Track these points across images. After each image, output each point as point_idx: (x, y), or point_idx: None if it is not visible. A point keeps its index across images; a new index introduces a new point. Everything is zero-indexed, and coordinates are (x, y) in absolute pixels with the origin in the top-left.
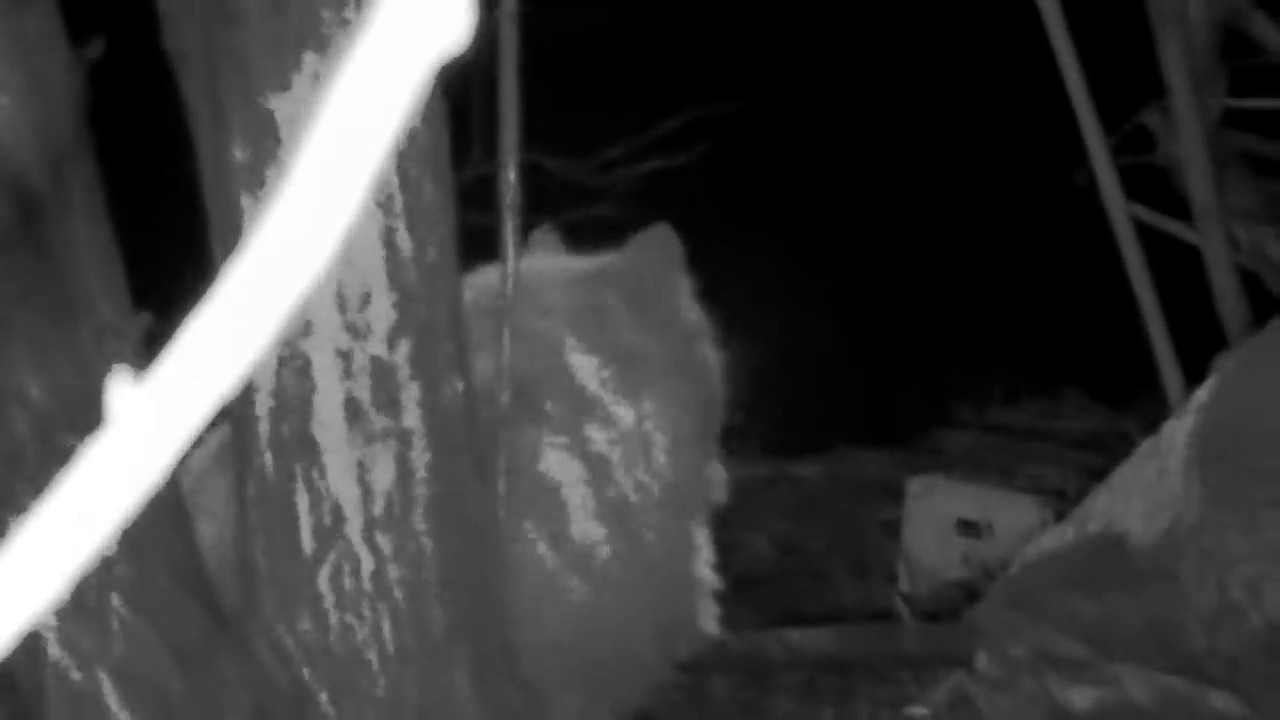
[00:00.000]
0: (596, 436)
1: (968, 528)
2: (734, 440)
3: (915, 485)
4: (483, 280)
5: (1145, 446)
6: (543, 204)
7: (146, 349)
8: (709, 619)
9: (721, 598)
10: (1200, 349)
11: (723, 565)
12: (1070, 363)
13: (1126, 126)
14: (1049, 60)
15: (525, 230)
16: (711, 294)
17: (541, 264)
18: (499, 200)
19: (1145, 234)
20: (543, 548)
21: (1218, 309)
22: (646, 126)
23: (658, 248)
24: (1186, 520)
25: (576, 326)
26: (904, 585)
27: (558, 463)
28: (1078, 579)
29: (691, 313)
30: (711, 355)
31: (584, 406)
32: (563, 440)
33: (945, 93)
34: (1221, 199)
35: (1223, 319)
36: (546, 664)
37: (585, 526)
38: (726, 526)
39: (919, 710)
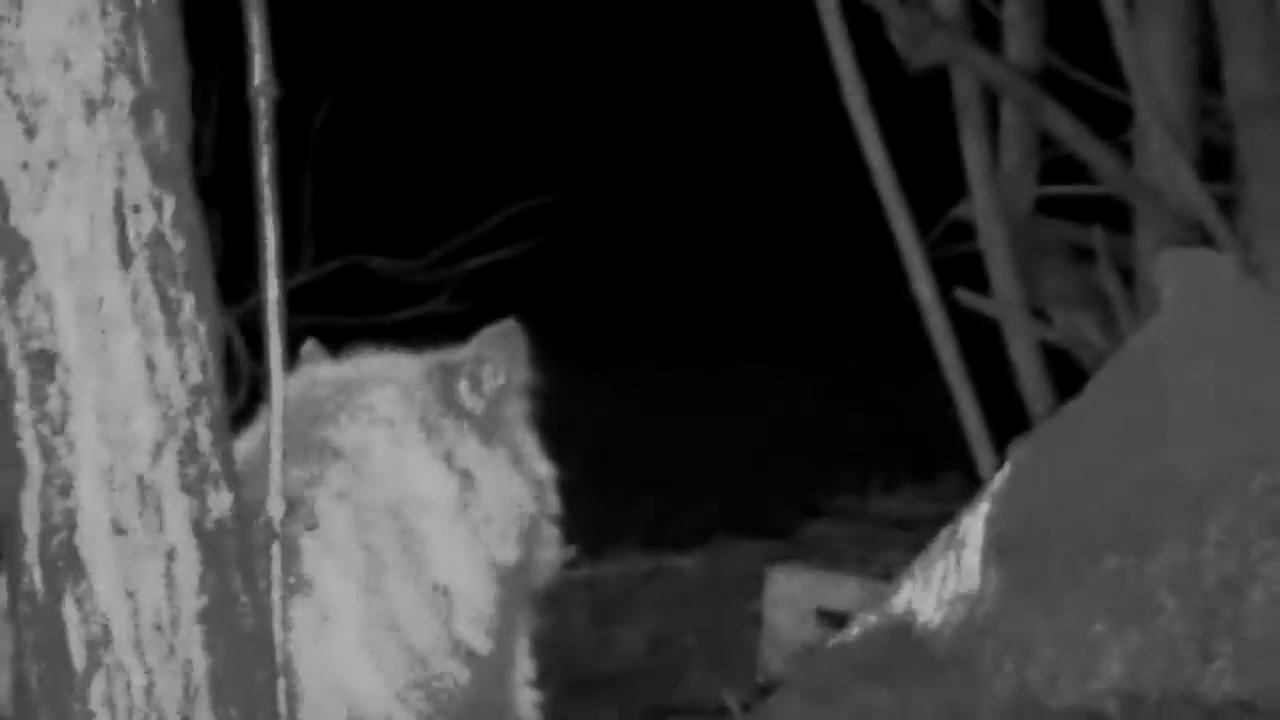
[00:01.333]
0: (381, 540)
1: (824, 616)
2: (615, 534)
3: (774, 574)
4: (310, 379)
5: (943, 535)
6: (374, 302)
7: None
8: (528, 709)
9: (589, 692)
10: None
11: (595, 661)
12: (947, 446)
13: (944, 220)
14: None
15: (356, 331)
16: (565, 391)
17: (371, 363)
18: (263, 311)
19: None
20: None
21: (1022, 394)
22: (473, 222)
23: (502, 343)
24: (984, 608)
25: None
26: (761, 676)
27: (336, 570)
28: (874, 668)
29: (520, 411)
30: (534, 454)
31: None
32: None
33: (766, 185)
34: (1035, 286)
35: (1027, 404)
36: None
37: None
38: (602, 623)
39: None
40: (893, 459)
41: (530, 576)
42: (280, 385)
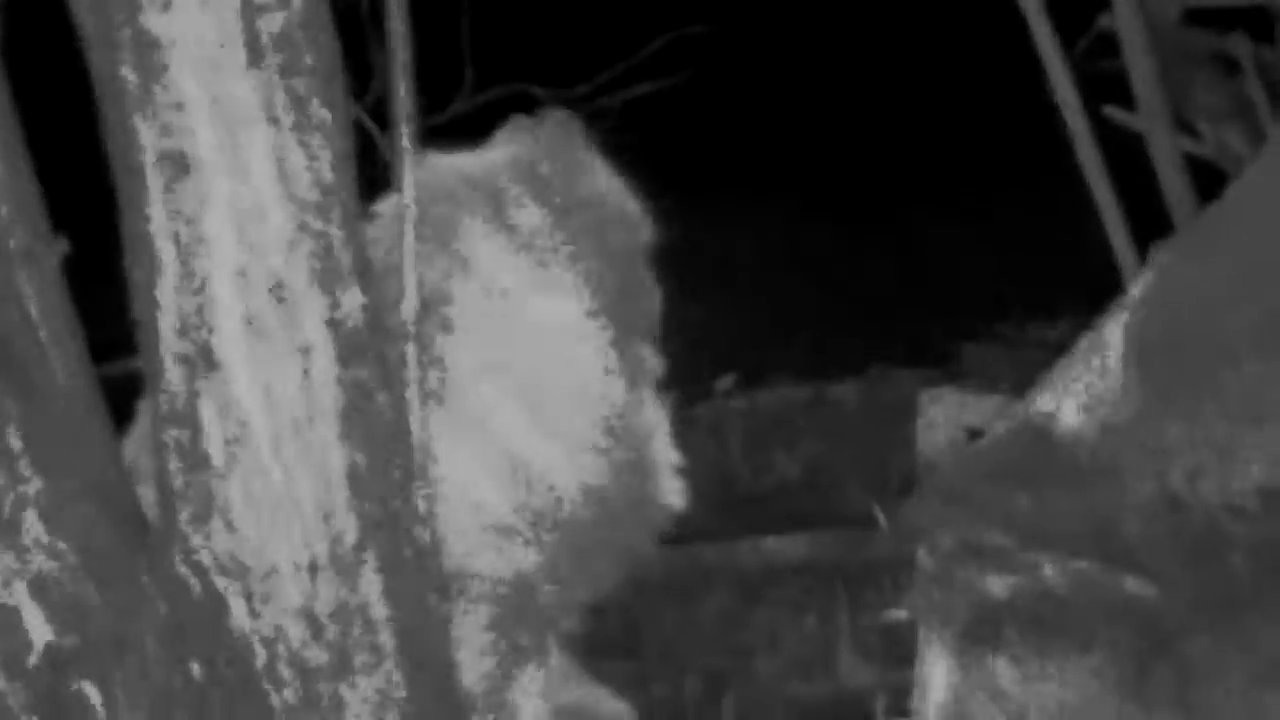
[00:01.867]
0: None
1: (978, 437)
2: (775, 363)
3: (927, 399)
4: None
5: (1084, 342)
6: None
7: (64, 272)
8: (674, 494)
9: (745, 509)
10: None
11: (753, 484)
12: (1108, 277)
13: (1092, 31)
14: None
15: None
16: (729, 223)
17: (437, 161)
18: (396, 123)
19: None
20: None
21: (1167, 207)
22: (629, 52)
23: (553, 133)
24: (1125, 413)
25: (476, 216)
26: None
27: (476, 367)
28: (1013, 472)
29: (608, 196)
30: (630, 239)
31: (492, 307)
32: (477, 340)
33: (910, 14)
34: (1183, 99)
35: (1173, 217)
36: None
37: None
38: (761, 448)
39: (896, 612)
40: (1054, 288)
41: (643, 365)
42: (410, 186)
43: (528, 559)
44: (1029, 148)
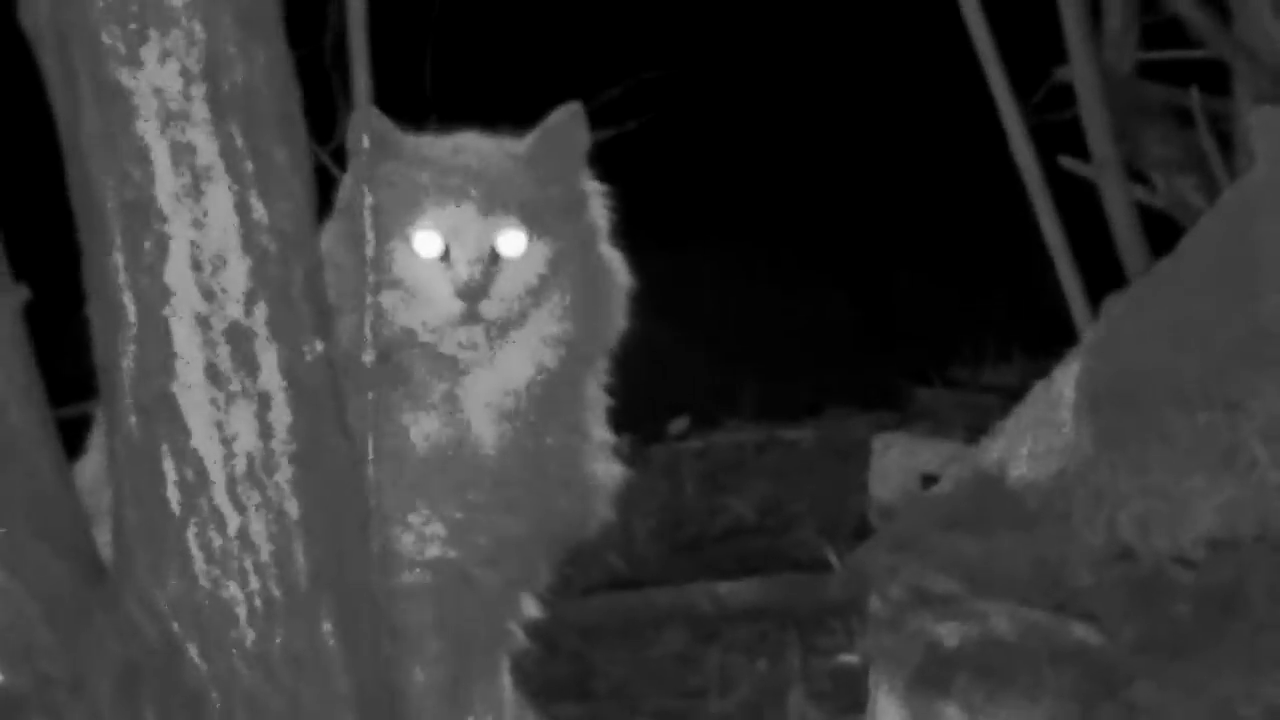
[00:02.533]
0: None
1: (931, 482)
2: (728, 406)
3: (880, 442)
4: None
5: (1037, 390)
6: None
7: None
8: (610, 477)
9: (699, 551)
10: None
11: (707, 525)
12: (1062, 320)
13: (1046, 84)
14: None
15: None
16: (683, 267)
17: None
18: (355, 163)
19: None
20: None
21: (1119, 257)
22: (589, 97)
23: (560, 134)
24: (1076, 461)
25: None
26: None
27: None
28: (964, 519)
29: (592, 209)
30: (609, 253)
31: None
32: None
33: (865, 62)
34: (1137, 150)
35: (1124, 267)
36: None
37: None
38: (715, 491)
39: (849, 657)
40: (1007, 332)
41: (593, 387)
42: (373, 239)
43: (464, 542)
44: (982, 194)
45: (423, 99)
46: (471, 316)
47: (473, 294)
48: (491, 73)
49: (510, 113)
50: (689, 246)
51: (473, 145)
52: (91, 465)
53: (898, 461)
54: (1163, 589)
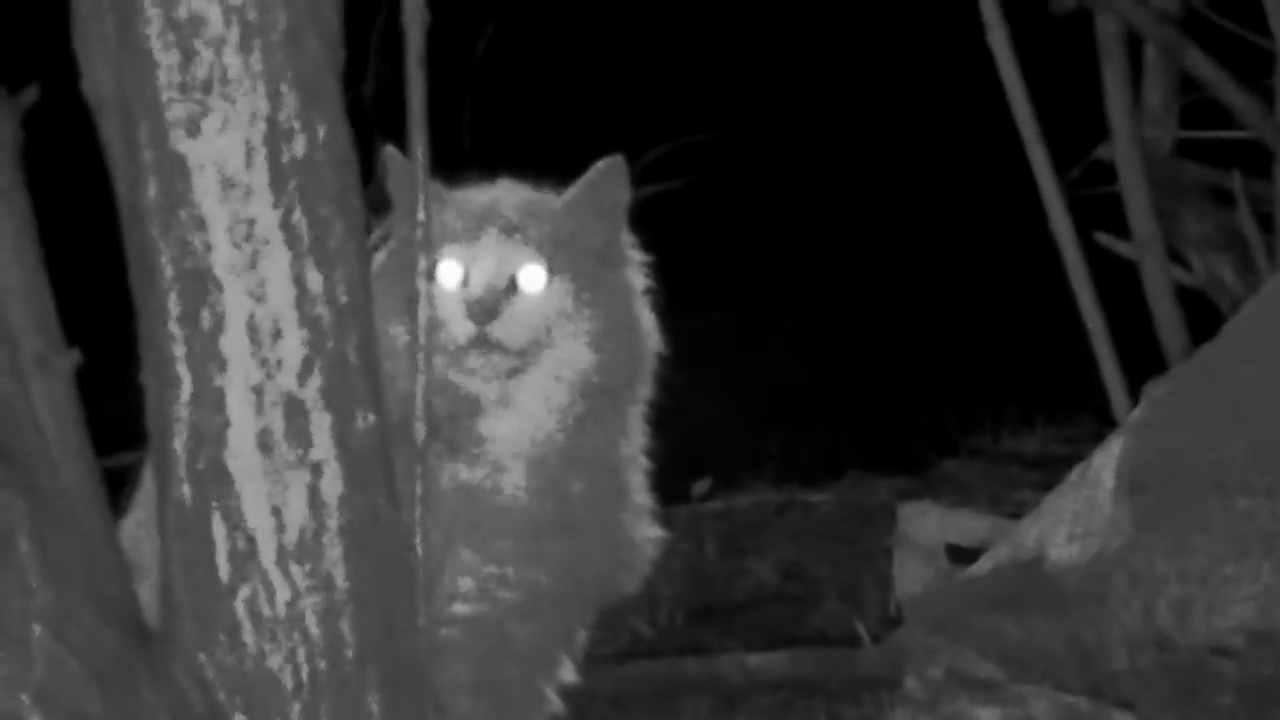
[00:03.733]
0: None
1: (956, 552)
2: (749, 468)
3: (905, 511)
4: None
5: (1076, 472)
6: None
7: (79, 384)
8: (649, 539)
9: (720, 619)
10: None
11: (727, 590)
12: (1080, 387)
13: (1085, 161)
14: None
15: None
16: (703, 327)
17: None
18: (415, 234)
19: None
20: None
21: (1159, 337)
22: (634, 156)
23: (600, 185)
24: (1115, 544)
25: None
26: (893, 608)
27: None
28: (1002, 601)
29: (628, 268)
30: (644, 315)
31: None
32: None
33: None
34: (1174, 229)
35: (1163, 347)
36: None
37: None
38: (736, 554)
39: None
40: (1027, 399)
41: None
42: (425, 307)
43: (503, 598)
44: (1010, 263)
45: (461, 154)
46: (481, 340)
47: (483, 313)
48: (532, 129)
49: (549, 167)
50: (710, 308)
51: (505, 190)
52: (130, 526)
53: (922, 531)
54: (1205, 679)
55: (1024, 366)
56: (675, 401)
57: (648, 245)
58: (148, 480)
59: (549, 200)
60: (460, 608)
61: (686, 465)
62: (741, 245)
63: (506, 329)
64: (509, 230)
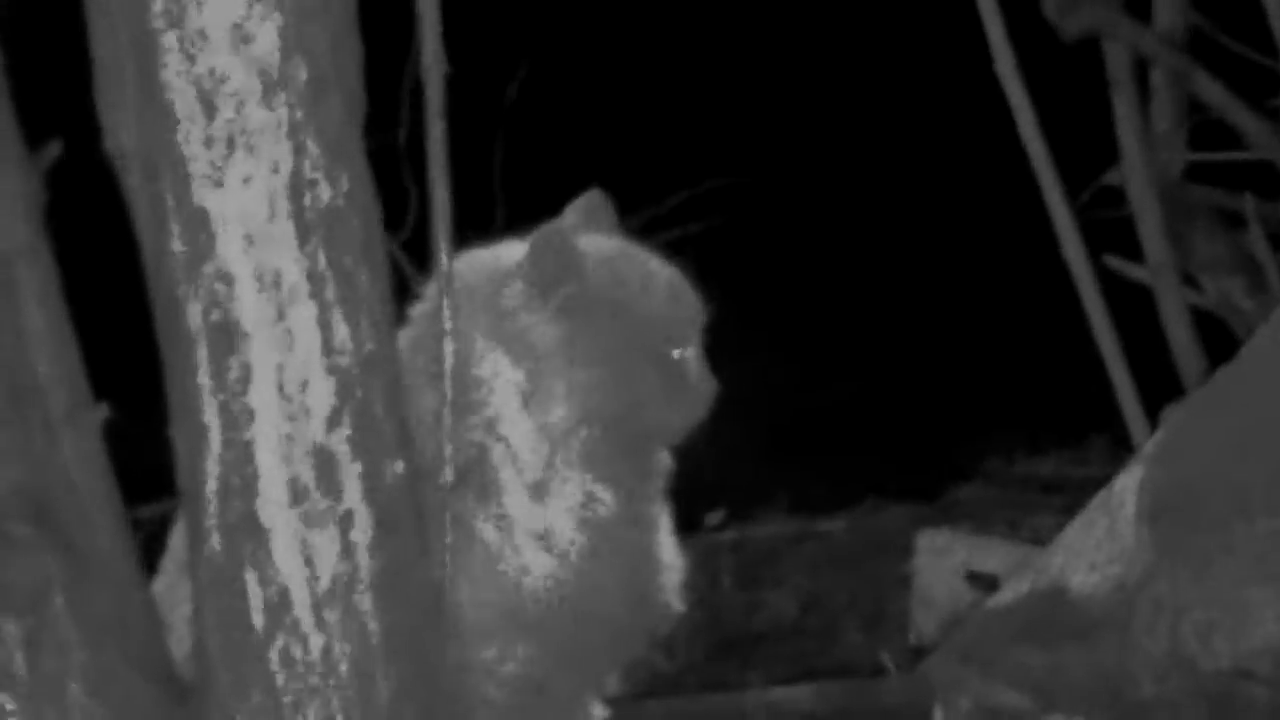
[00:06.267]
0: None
1: (975, 579)
2: (761, 498)
3: (924, 539)
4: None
5: (1097, 500)
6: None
7: (106, 436)
8: (674, 596)
9: (740, 653)
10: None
11: (746, 622)
12: (1095, 409)
13: (1094, 185)
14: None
15: None
16: (735, 355)
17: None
18: (439, 279)
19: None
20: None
21: (1175, 360)
22: (659, 198)
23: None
24: (1137, 571)
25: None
26: (914, 638)
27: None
28: (1028, 632)
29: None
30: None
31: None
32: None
33: (923, 166)
34: (1184, 252)
35: (1179, 370)
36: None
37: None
38: (751, 585)
39: None
40: (1039, 423)
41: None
42: (450, 355)
43: (527, 648)
44: (1017, 288)
45: (490, 194)
46: None
47: None
48: (560, 169)
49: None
50: (723, 337)
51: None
52: (160, 588)
53: (941, 559)
54: (1234, 704)
55: (1035, 390)
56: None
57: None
58: (176, 542)
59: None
60: (507, 669)
61: (698, 496)
62: (751, 271)
63: None
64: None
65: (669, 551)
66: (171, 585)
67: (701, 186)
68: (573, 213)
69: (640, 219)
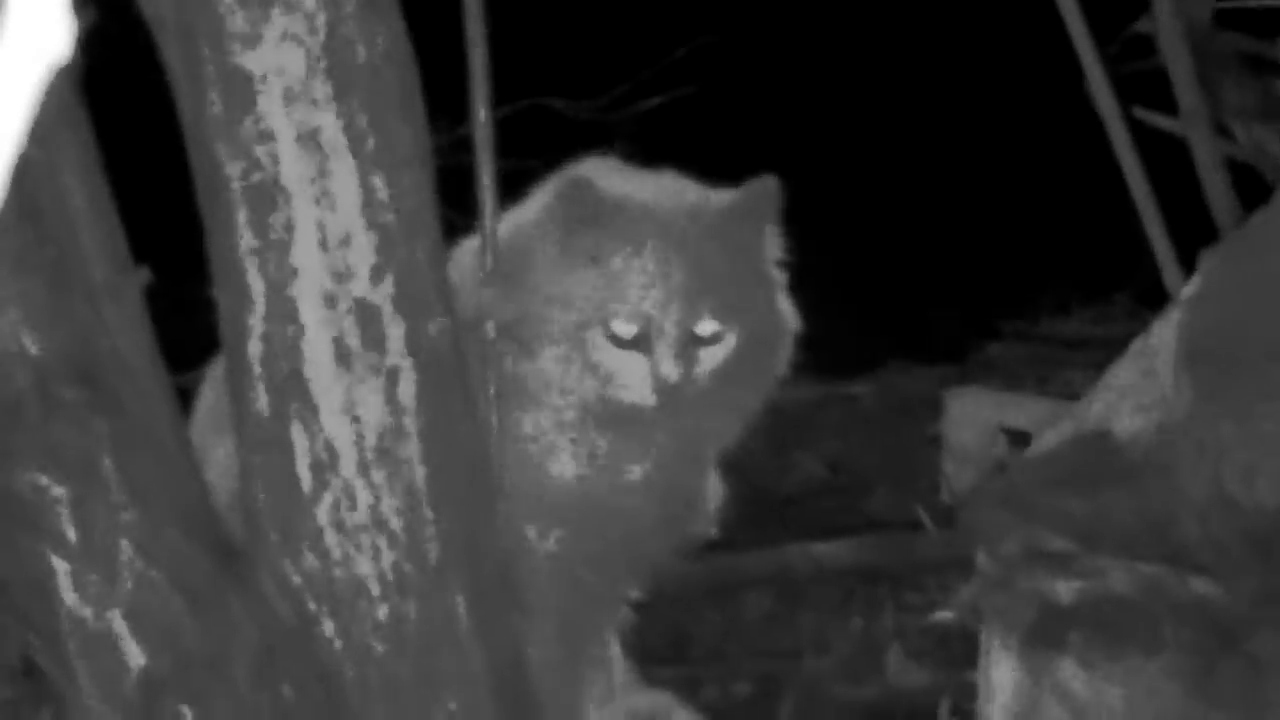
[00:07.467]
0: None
1: (1009, 434)
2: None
3: (954, 397)
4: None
5: (1136, 345)
6: (553, 146)
7: (147, 301)
8: (709, 513)
9: (773, 512)
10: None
11: (778, 484)
12: (1116, 267)
13: (1124, 34)
14: None
15: (528, 174)
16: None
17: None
18: (476, 146)
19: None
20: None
21: (1208, 208)
22: (650, 61)
23: (758, 199)
24: (1178, 414)
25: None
26: (946, 495)
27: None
28: (1070, 477)
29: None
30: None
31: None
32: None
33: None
34: (1216, 100)
35: (1214, 217)
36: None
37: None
38: (781, 448)
39: (944, 614)
40: (1063, 281)
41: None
42: (491, 213)
43: (562, 533)
44: (1037, 145)
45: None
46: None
47: (672, 390)
48: (546, 42)
49: (563, 85)
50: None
51: (673, 221)
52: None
53: (971, 415)
54: (1275, 538)
55: (1058, 248)
56: None
57: (663, 154)
58: (204, 402)
59: (712, 227)
60: (543, 547)
61: None
62: (769, 130)
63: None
64: (689, 284)
65: (712, 466)
66: (201, 444)
67: (689, 46)
68: (751, 192)
69: (630, 84)
